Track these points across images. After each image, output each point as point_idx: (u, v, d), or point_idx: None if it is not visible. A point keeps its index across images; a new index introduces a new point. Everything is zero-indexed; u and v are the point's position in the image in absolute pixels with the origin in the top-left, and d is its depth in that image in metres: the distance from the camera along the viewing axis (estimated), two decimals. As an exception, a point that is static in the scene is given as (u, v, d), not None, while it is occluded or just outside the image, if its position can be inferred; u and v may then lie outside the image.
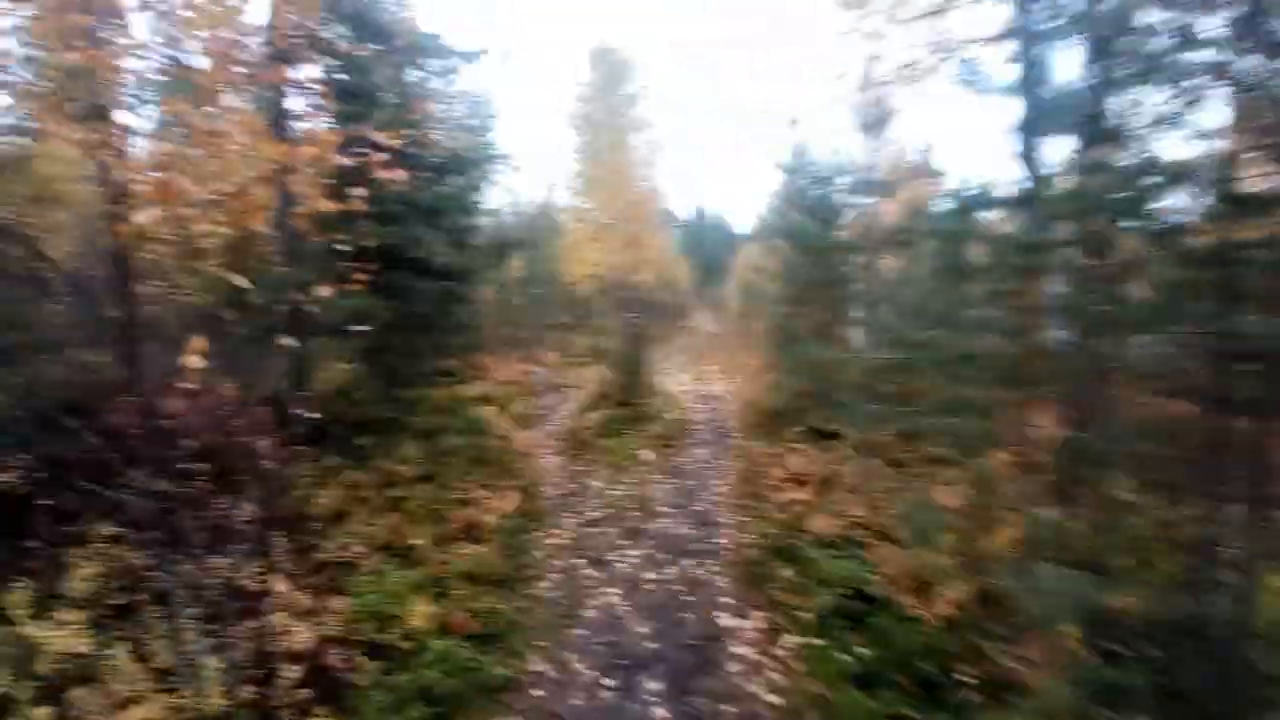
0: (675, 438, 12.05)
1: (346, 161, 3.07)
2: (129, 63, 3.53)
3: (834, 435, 10.26)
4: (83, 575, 5.11)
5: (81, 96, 3.47)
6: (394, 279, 9.49)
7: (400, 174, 3.40)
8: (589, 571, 7.09)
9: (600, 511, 8.66)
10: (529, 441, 10.74)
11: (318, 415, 7.74)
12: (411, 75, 10.24)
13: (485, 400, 11.94)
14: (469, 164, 12.75)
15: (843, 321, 10.88)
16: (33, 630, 4.57)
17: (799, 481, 8.89)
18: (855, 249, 9.69)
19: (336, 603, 5.65)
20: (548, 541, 7.78)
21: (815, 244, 10.24)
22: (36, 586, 4.83)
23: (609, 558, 7.38)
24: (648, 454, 10.93)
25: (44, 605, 4.78)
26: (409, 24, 9.92)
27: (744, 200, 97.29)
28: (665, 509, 8.78)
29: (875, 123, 9.64)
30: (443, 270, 9.98)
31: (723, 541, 7.77)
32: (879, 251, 9.97)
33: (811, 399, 10.87)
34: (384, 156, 3.27)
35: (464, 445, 9.09)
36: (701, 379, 19.22)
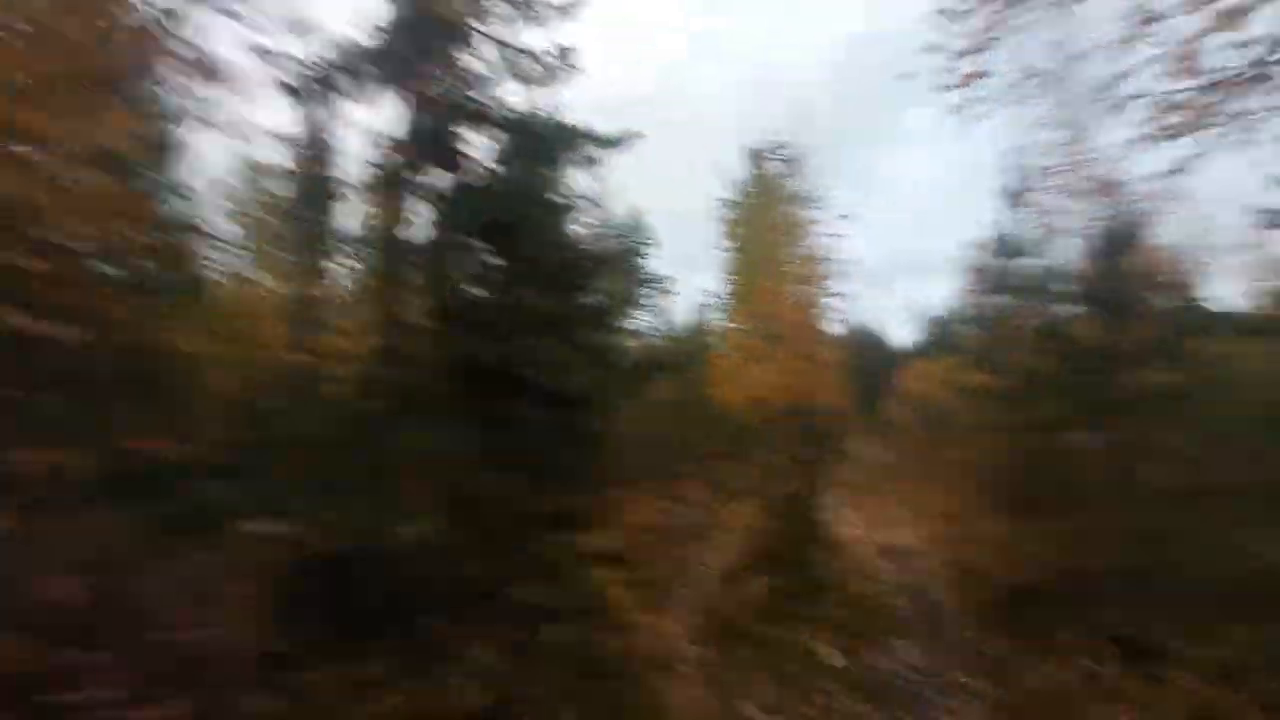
0: (869, 624, 8.43)
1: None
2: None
3: (1158, 652, 6.24)
4: None
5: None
6: (492, 405, 7.65)
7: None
8: None
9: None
10: (662, 634, 7.74)
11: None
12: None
13: (606, 561, 9.27)
14: (609, 273, 11.16)
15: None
16: None
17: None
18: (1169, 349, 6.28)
19: None
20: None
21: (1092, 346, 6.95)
22: None
23: None
24: (832, 654, 7.45)
25: None
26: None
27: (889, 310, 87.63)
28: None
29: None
30: (559, 395, 7.94)
31: None
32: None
33: (1101, 580, 7.00)
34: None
35: (567, 643, 6.43)
36: (880, 524, 15.27)
